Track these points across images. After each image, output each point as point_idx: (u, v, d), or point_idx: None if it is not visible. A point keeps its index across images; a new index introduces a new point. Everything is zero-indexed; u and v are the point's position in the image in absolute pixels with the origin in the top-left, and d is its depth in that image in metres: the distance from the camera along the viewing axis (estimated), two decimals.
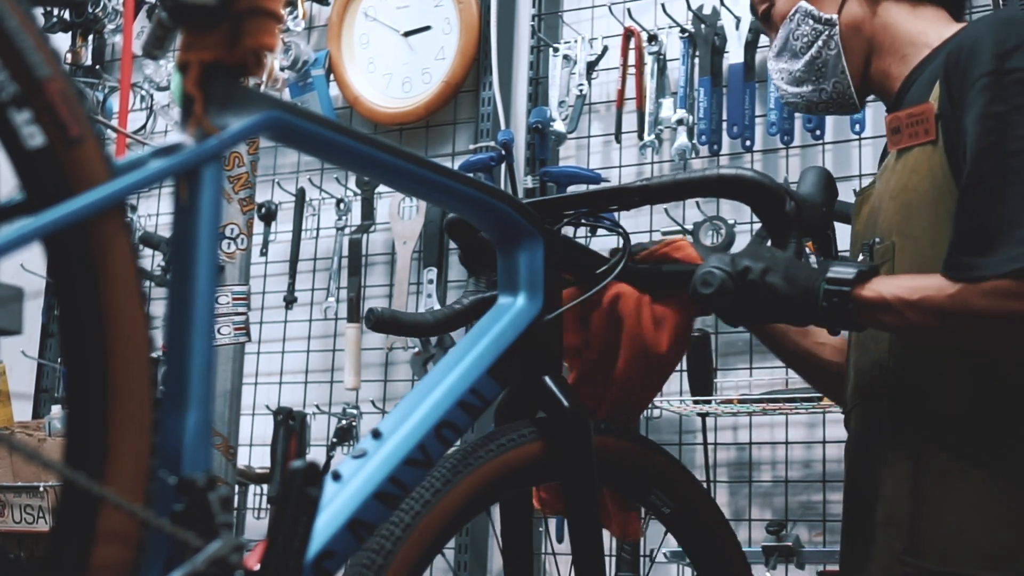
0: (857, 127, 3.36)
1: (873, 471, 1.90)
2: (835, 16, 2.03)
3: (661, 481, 1.93)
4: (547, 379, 1.76)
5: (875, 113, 3.43)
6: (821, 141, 3.48)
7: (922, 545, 1.78)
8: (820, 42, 2.04)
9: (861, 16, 2.03)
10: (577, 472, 1.77)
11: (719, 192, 1.83)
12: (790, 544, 3.13)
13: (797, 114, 3.45)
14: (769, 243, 1.81)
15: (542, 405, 1.77)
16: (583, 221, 1.91)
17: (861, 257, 1.95)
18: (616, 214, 2.33)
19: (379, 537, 1.54)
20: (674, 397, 3.40)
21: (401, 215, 4.00)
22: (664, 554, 3.33)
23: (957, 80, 1.77)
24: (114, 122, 4.05)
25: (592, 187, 1.98)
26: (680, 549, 3.31)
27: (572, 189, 3.64)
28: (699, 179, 1.81)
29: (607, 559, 3.22)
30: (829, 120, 3.47)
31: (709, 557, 2.00)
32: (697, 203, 3.55)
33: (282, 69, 4.14)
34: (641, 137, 3.65)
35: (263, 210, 4.11)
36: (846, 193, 2.78)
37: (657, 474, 1.93)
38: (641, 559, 3.23)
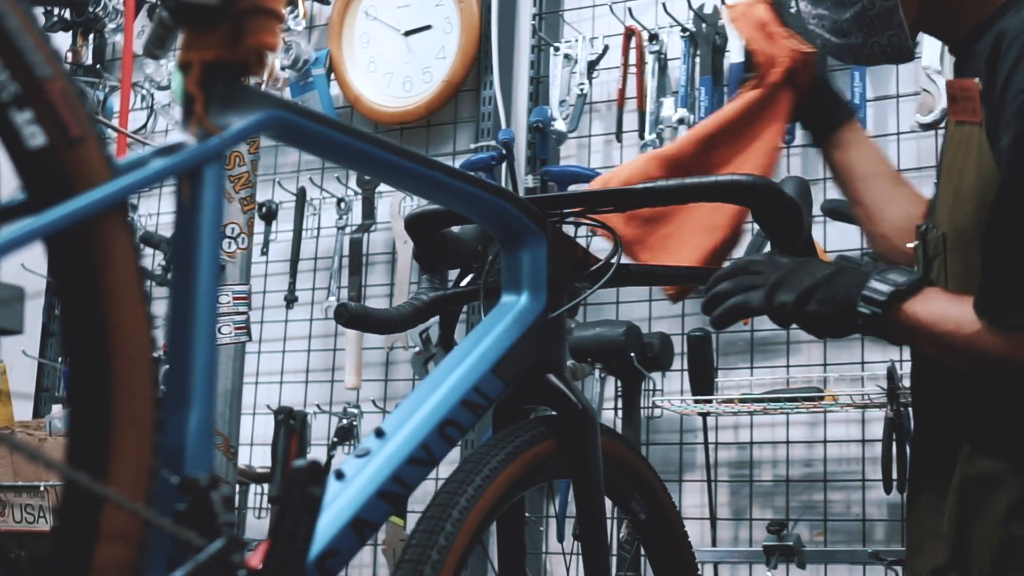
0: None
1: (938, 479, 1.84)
2: None
3: (642, 487, 1.95)
4: (552, 377, 1.75)
5: (876, 112, 3.43)
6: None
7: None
8: None
9: None
10: (587, 469, 1.77)
11: (730, 198, 1.81)
12: (791, 544, 3.13)
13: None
14: (768, 248, 1.81)
15: (550, 403, 1.77)
16: (581, 220, 1.91)
17: (914, 244, 1.91)
18: None
19: (421, 546, 1.54)
20: (675, 397, 3.40)
21: (402, 214, 3.99)
22: None
23: (998, 77, 1.68)
24: (115, 122, 4.04)
25: (590, 187, 1.98)
26: None
27: (573, 188, 3.64)
28: (711, 183, 1.78)
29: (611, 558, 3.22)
30: None
31: (671, 569, 2.02)
32: None
33: (283, 68, 4.13)
34: (642, 136, 3.65)
35: (264, 209, 4.11)
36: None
37: (640, 480, 1.94)
38: (641, 559, 3.22)
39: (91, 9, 4.54)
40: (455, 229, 1.99)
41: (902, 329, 1.71)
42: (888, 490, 3.11)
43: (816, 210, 2.73)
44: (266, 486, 3.92)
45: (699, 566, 3.31)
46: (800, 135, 3.46)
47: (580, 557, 1.87)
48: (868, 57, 1.99)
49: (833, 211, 2.79)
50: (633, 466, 1.92)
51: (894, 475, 3.10)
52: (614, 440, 1.89)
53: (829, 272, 1.73)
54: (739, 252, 1.93)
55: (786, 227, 1.78)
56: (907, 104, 3.42)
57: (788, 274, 1.73)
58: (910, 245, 1.93)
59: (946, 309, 1.71)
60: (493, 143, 3.76)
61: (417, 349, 3.78)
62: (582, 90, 3.79)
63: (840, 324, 1.73)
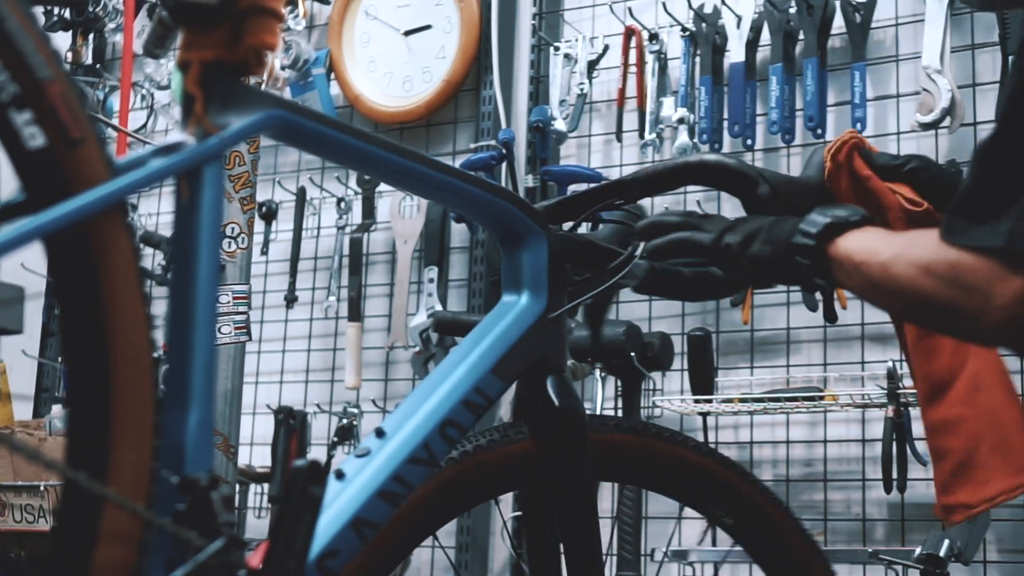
0: (859, 126, 3.36)
1: None
2: None
3: (718, 490, 1.86)
4: (547, 379, 1.75)
5: (877, 111, 3.43)
6: (822, 140, 3.48)
7: None
8: None
9: None
10: (568, 473, 1.74)
11: (700, 179, 1.80)
12: None
13: (798, 113, 3.45)
14: None
15: (539, 405, 1.77)
16: (601, 217, 1.90)
17: None
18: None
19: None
20: (675, 396, 3.40)
21: (402, 214, 4.00)
22: (664, 553, 3.33)
23: None
24: (115, 121, 4.04)
25: (593, 185, 1.96)
26: (681, 548, 3.33)
27: (573, 188, 3.64)
28: (682, 165, 1.78)
29: (608, 558, 3.22)
30: (830, 119, 3.47)
31: (783, 571, 1.91)
32: (699, 203, 3.55)
33: (283, 68, 4.13)
34: (642, 136, 3.65)
35: (264, 209, 4.11)
36: None
37: (713, 482, 1.86)
38: (642, 558, 3.22)
39: (91, 9, 4.54)
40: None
41: (841, 266, 1.58)
42: (888, 490, 3.11)
43: None
44: (266, 486, 3.92)
45: (701, 566, 3.33)
46: (800, 134, 3.47)
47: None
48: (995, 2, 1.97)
49: None
50: (691, 465, 1.85)
51: (894, 475, 3.10)
52: (663, 440, 1.84)
53: (776, 219, 1.67)
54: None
55: (754, 205, 1.76)
56: (907, 104, 3.41)
57: (740, 220, 1.70)
58: None
59: (889, 240, 1.57)
60: (493, 143, 3.76)
61: (417, 349, 3.78)
62: (582, 90, 3.79)
63: (782, 264, 1.63)
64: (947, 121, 3.21)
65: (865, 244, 1.57)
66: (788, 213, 1.70)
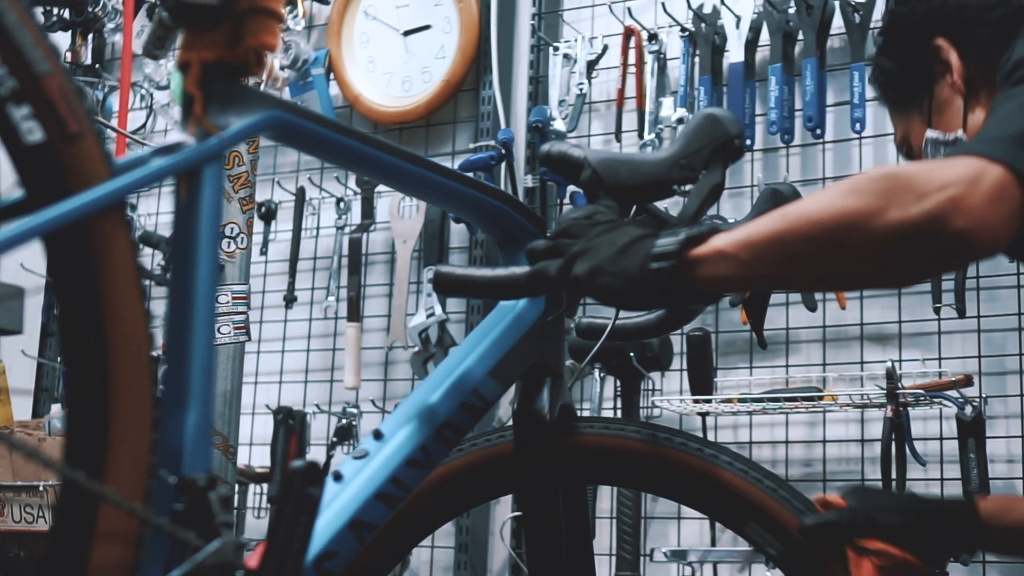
0: (857, 126, 3.36)
1: None
2: (960, 132, 1.85)
3: (759, 515, 1.72)
4: (545, 382, 1.75)
5: (875, 112, 3.43)
6: (821, 140, 3.48)
7: None
8: None
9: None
10: (530, 478, 1.73)
11: (553, 170, 1.71)
12: None
13: (797, 113, 3.45)
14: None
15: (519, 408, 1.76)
16: None
17: None
18: None
19: None
20: (674, 396, 3.40)
21: (401, 214, 4.00)
22: (664, 553, 3.33)
23: None
24: (114, 122, 4.04)
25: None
26: (681, 548, 3.33)
27: (572, 188, 3.64)
28: (541, 159, 1.72)
29: (608, 558, 3.23)
30: (829, 119, 3.47)
31: None
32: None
33: (282, 68, 4.13)
34: (641, 136, 3.65)
35: (263, 209, 4.11)
36: None
37: (751, 507, 1.72)
38: (641, 558, 3.22)
39: (90, 9, 4.54)
40: None
41: (703, 263, 1.43)
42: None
43: None
44: (265, 486, 3.92)
45: (699, 567, 3.34)
46: (799, 134, 3.47)
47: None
48: None
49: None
50: (727, 487, 1.74)
51: (893, 475, 3.10)
52: (714, 462, 1.74)
53: (629, 240, 1.49)
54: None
55: (575, 182, 1.67)
56: None
57: (594, 243, 1.51)
58: None
59: (763, 218, 1.43)
60: (492, 143, 3.76)
61: (416, 349, 3.77)
62: (581, 90, 3.79)
63: (635, 294, 1.48)
64: None
65: (735, 235, 1.44)
66: (620, 199, 1.62)
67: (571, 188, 3.64)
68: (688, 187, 1.63)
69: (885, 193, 1.34)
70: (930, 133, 1.92)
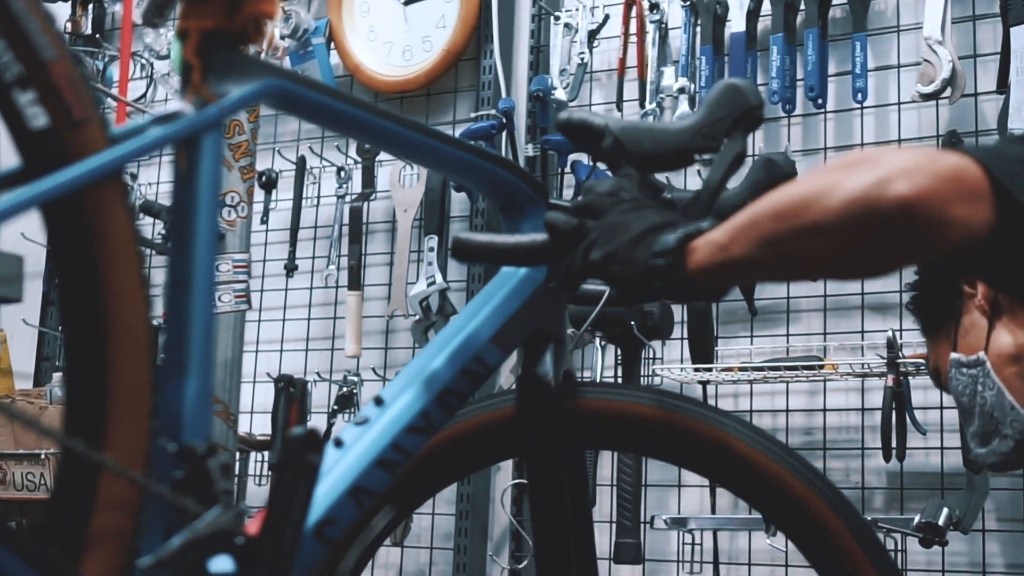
0: (859, 96, 3.35)
1: None
2: (982, 354, 1.88)
3: (767, 484, 1.73)
4: (548, 348, 1.75)
5: (877, 81, 3.43)
6: (823, 110, 3.47)
7: None
8: (979, 386, 1.87)
9: (1012, 341, 1.86)
10: (534, 443, 1.74)
11: (570, 138, 1.69)
12: None
13: (799, 83, 3.44)
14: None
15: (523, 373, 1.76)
16: None
17: None
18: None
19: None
20: (675, 365, 3.41)
21: (402, 183, 3.99)
22: (664, 521, 3.34)
23: None
24: (114, 91, 4.04)
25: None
26: (681, 516, 3.35)
27: (573, 158, 3.64)
28: (557, 126, 1.69)
29: (608, 525, 3.24)
30: (831, 89, 3.46)
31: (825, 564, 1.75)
32: (699, 172, 3.54)
33: (282, 37, 4.12)
34: (643, 106, 3.64)
35: (263, 178, 4.11)
36: None
37: (759, 475, 1.73)
38: (642, 525, 3.23)
39: None
40: None
41: (703, 251, 1.42)
42: (888, 459, 3.12)
43: None
44: (266, 453, 3.93)
45: (699, 534, 3.35)
46: (801, 104, 3.46)
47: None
48: (1010, 455, 1.91)
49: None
50: (748, 460, 1.73)
51: (893, 444, 3.10)
52: (723, 429, 1.75)
53: (646, 228, 1.48)
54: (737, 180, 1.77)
55: (595, 151, 1.65)
56: (908, 74, 3.41)
57: (611, 226, 1.52)
58: None
59: (772, 198, 1.40)
60: (493, 112, 3.75)
61: (417, 317, 3.78)
62: (582, 59, 3.78)
63: (640, 288, 1.48)
64: (948, 92, 3.20)
65: (726, 222, 1.43)
66: (642, 168, 1.61)
67: (572, 157, 3.63)
68: (709, 156, 1.63)
69: (848, 167, 1.32)
70: (954, 355, 1.93)
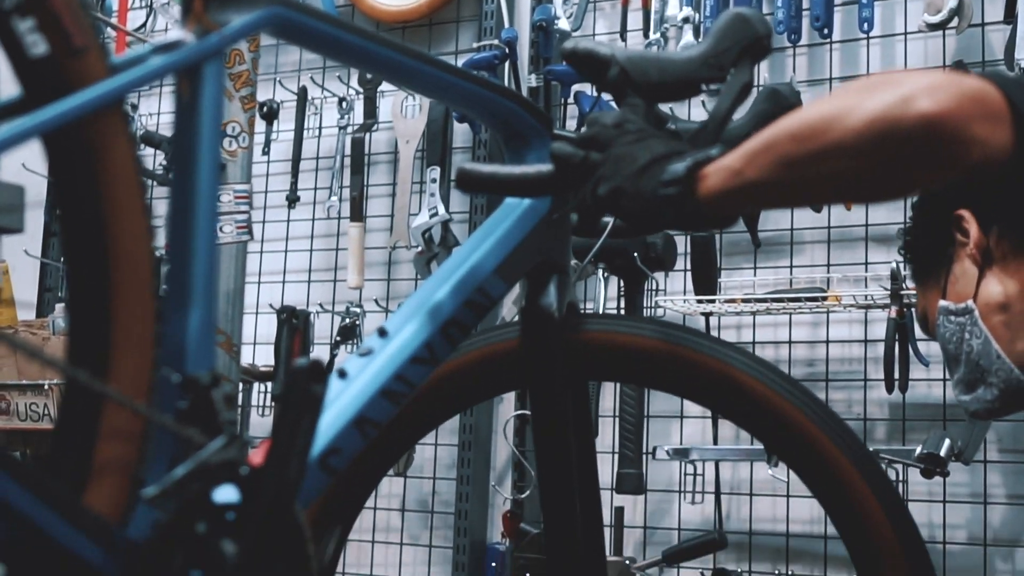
0: (865, 26, 3.32)
1: None
2: (970, 302, 1.86)
3: (771, 416, 1.72)
4: (551, 279, 1.75)
5: (884, 10, 3.40)
6: (828, 40, 3.45)
7: None
8: (966, 334, 1.87)
9: (1001, 290, 1.84)
10: (538, 375, 1.74)
11: (577, 69, 1.66)
12: None
13: (804, 13, 3.42)
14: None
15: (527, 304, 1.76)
16: None
17: None
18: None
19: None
20: (678, 297, 3.40)
21: (404, 114, 3.97)
22: (666, 451, 3.35)
23: None
24: (114, 20, 4.01)
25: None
26: (683, 447, 3.36)
27: (576, 88, 3.61)
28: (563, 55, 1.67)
29: (610, 456, 3.25)
30: (837, 19, 3.43)
31: (859, 549, 1.73)
32: (703, 103, 3.52)
33: None
34: (647, 35, 3.61)
35: (265, 109, 4.09)
36: None
37: (764, 407, 1.72)
38: (644, 456, 3.25)
39: None
40: None
41: (715, 176, 1.43)
42: (890, 390, 3.13)
43: None
44: (270, 384, 3.94)
45: (701, 464, 3.36)
46: (807, 34, 3.43)
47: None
48: (994, 403, 1.91)
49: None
50: (753, 392, 1.73)
51: (896, 375, 3.11)
52: (728, 361, 1.73)
53: (651, 158, 1.48)
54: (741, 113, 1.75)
55: (601, 82, 1.63)
56: (915, 4, 3.37)
57: (616, 158, 1.51)
58: None
59: (789, 119, 1.39)
60: (496, 42, 3.72)
61: (419, 249, 3.77)
62: None
63: (649, 219, 1.49)
64: (954, 22, 3.18)
65: (738, 148, 1.43)
66: (648, 98, 1.58)
67: (575, 88, 3.61)
68: (715, 86, 1.62)
69: (868, 88, 1.33)
70: (942, 303, 1.92)
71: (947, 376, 3.20)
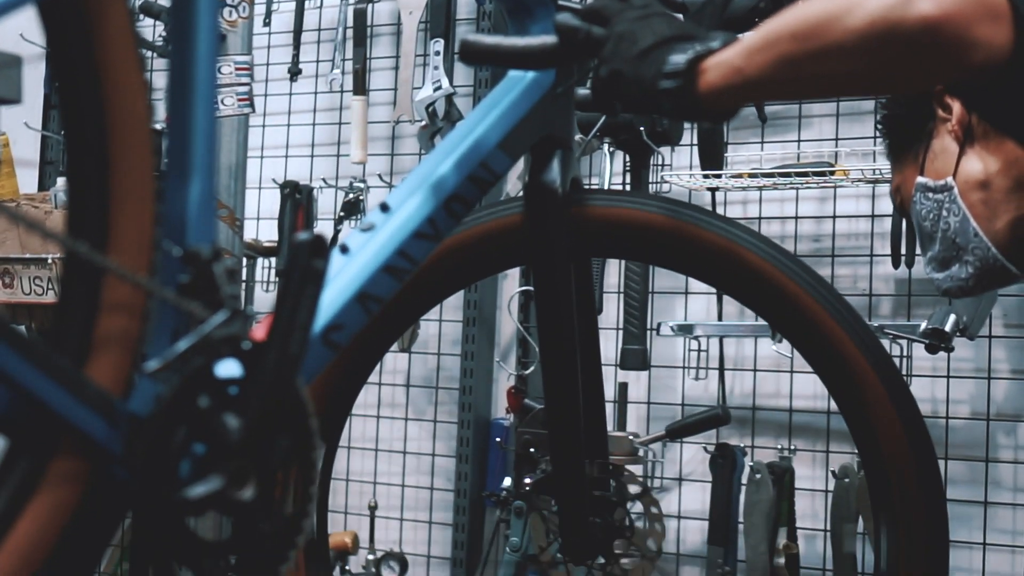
0: None
1: None
2: (950, 179, 1.84)
3: (775, 293, 1.74)
4: (555, 154, 1.73)
5: None
6: None
7: None
8: (944, 211, 1.85)
9: (982, 168, 1.82)
10: (542, 250, 1.74)
11: None
12: None
13: None
14: None
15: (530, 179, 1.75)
16: None
17: None
18: None
19: None
20: (684, 172, 3.38)
21: None
22: (671, 327, 3.35)
23: None
24: None
25: None
26: (687, 323, 3.36)
27: None
28: None
29: (615, 332, 3.25)
30: None
31: (860, 427, 1.76)
32: None
33: None
34: None
35: None
36: None
37: (768, 285, 1.75)
38: (648, 332, 3.25)
39: None
40: None
41: (715, 70, 1.43)
42: (896, 265, 3.12)
43: None
44: (273, 259, 3.93)
45: (705, 340, 3.36)
46: None
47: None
48: (968, 282, 1.89)
49: None
50: (757, 270, 1.75)
51: (902, 250, 3.10)
52: (733, 239, 1.75)
53: (654, 42, 1.47)
54: None
55: None
56: None
57: (619, 36, 1.50)
58: None
59: (772, 20, 1.39)
60: None
61: (423, 123, 3.74)
62: None
63: (648, 108, 1.50)
64: None
65: (738, 43, 1.43)
66: None
67: None
68: None
69: None
70: (920, 179, 1.90)
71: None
